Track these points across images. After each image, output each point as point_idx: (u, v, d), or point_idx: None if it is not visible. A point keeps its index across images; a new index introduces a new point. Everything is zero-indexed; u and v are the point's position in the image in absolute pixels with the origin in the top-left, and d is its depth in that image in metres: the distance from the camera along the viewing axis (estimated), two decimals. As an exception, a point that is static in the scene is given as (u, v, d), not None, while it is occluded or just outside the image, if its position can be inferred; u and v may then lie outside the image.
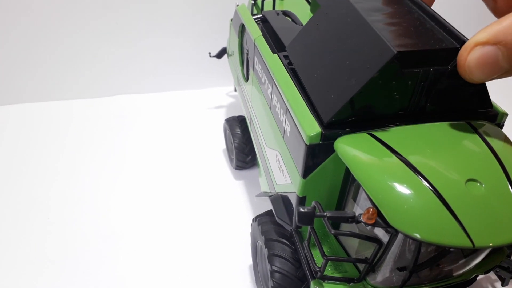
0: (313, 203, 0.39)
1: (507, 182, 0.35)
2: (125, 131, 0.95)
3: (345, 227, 0.47)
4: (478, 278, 0.49)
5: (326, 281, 0.44)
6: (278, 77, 0.50)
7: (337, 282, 0.44)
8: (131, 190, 0.80)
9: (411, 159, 0.36)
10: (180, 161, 0.87)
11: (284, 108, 0.48)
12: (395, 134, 0.40)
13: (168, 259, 0.67)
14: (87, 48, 1.02)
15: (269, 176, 0.60)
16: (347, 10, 0.46)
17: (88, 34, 1.00)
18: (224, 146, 0.91)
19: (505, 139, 0.40)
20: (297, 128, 0.44)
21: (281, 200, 0.53)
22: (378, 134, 0.40)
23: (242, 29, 0.73)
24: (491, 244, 0.33)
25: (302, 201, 0.47)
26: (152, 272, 0.65)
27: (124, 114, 1.01)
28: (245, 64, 0.73)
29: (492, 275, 0.62)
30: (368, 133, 0.40)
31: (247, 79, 0.72)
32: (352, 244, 0.46)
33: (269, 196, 0.58)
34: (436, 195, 0.34)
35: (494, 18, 0.43)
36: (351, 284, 0.43)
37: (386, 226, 0.35)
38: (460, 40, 0.39)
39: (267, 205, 0.58)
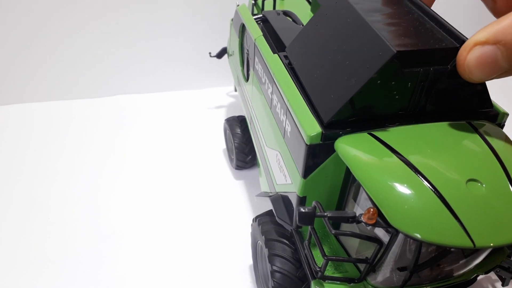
0: (313, 203, 0.39)
1: (508, 182, 0.35)
2: (125, 131, 0.95)
3: (345, 227, 0.47)
4: (478, 278, 0.49)
5: (326, 281, 0.44)
6: (279, 77, 0.50)
7: (338, 282, 0.44)
8: (131, 190, 0.80)
9: (412, 159, 0.36)
10: (180, 161, 0.87)
11: (285, 108, 0.48)
12: (395, 134, 0.40)
13: (168, 259, 0.67)
14: (87, 48, 1.02)
15: (269, 176, 0.60)
16: (347, 10, 0.46)
17: (88, 34, 1.00)
18: (224, 146, 0.91)
19: (505, 139, 0.40)
20: (298, 128, 0.44)
21: (281, 200, 0.53)
22: (378, 134, 0.40)
23: (243, 29, 0.73)
24: (492, 244, 0.33)
25: (302, 201, 0.47)
26: (152, 272, 0.65)
27: (124, 114, 1.01)
28: (246, 64, 0.73)
29: (492, 275, 0.62)
30: (368, 133, 0.40)
31: (247, 79, 0.72)
32: (353, 244, 0.46)
33: (269, 196, 0.58)
34: (436, 195, 0.34)
35: (493, 18, 0.43)
36: (352, 284, 0.43)
37: (387, 226, 0.35)
38: (460, 40, 0.39)
39: (267, 205, 0.58)
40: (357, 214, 0.36)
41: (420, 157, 0.37)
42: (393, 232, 0.37)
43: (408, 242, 0.38)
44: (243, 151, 0.80)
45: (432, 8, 0.46)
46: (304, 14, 0.70)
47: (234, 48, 0.80)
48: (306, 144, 0.41)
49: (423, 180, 0.35)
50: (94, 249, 0.68)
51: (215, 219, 0.74)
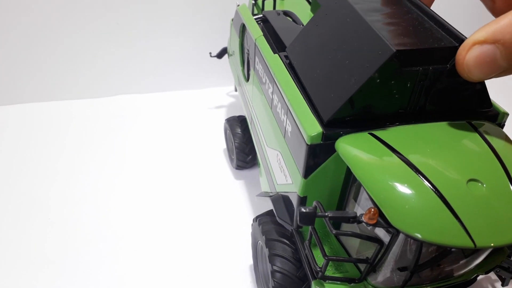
0: (314, 203, 0.39)
1: (508, 182, 0.35)
2: (125, 131, 0.95)
3: (346, 227, 0.47)
4: (478, 278, 0.49)
5: (327, 281, 0.44)
6: (279, 77, 0.50)
7: (338, 282, 0.44)
8: (131, 190, 0.80)
9: (412, 159, 0.36)
10: (180, 161, 0.87)
11: (285, 108, 0.48)
12: (396, 134, 0.40)
13: (168, 259, 0.67)
14: (87, 48, 1.02)
15: (269, 176, 0.60)
16: (347, 10, 0.46)
17: (88, 34, 1.00)
18: (224, 146, 0.91)
19: (506, 138, 0.40)
20: (298, 128, 0.44)
21: (282, 200, 0.53)
22: (379, 134, 0.40)
23: (243, 29, 0.73)
24: (492, 244, 0.33)
25: (303, 201, 0.47)
26: (152, 272, 0.65)
27: (124, 114, 1.01)
28: (246, 64, 0.73)
29: (492, 275, 0.62)
30: (369, 133, 0.40)
31: (247, 79, 0.72)
32: (353, 244, 0.46)
33: (270, 196, 0.58)
34: (437, 195, 0.34)
35: (492, 17, 0.43)
36: (352, 284, 0.43)
37: (388, 226, 0.35)
38: (459, 39, 0.40)
39: (268, 205, 0.58)
40: (358, 214, 0.36)
41: (421, 157, 0.37)
42: (394, 232, 0.37)
43: (408, 242, 0.38)
44: (243, 151, 0.80)
45: (431, 8, 0.46)
46: (304, 14, 0.70)
47: (235, 48, 0.80)
48: (307, 144, 0.41)
49: (424, 180, 0.35)
50: (94, 249, 0.68)
51: (215, 219, 0.74)
